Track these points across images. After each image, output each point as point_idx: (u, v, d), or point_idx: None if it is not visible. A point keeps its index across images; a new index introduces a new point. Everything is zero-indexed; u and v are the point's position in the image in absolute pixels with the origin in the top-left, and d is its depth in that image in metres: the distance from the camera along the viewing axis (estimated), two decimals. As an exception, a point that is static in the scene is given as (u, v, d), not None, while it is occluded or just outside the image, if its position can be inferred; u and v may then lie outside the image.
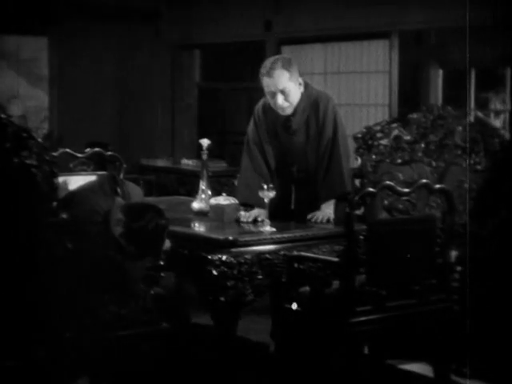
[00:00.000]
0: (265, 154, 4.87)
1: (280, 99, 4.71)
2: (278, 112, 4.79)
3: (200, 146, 5.14)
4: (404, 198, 4.19)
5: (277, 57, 4.90)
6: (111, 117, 9.73)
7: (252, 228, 4.61)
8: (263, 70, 4.73)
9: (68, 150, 5.45)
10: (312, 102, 4.81)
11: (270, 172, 4.87)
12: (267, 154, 4.87)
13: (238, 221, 4.72)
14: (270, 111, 4.86)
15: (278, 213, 4.70)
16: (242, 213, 4.75)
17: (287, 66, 4.70)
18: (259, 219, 4.69)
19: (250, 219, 4.72)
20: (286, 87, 4.69)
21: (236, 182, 4.92)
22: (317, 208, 4.79)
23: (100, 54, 9.60)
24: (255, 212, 4.74)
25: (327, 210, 4.75)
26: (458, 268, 4.64)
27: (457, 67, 7.54)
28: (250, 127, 4.93)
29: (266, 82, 4.71)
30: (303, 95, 4.79)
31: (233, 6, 8.78)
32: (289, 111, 4.78)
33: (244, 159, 4.91)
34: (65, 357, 3.87)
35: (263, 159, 4.86)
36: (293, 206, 4.93)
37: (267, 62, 4.76)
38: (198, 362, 4.71)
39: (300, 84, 4.78)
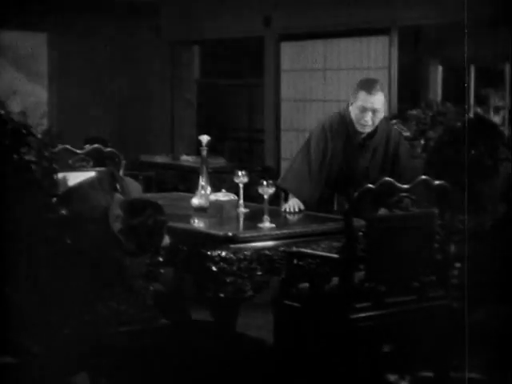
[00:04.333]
0: (324, 160, 5.04)
1: (369, 116, 4.95)
2: (357, 128, 5.00)
3: (199, 142, 5.14)
4: (403, 194, 4.18)
5: (374, 78, 5.30)
6: (110, 113, 9.73)
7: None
8: (365, 86, 4.99)
9: (67, 146, 5.45)
10: (386, 128, 5.10)
11: (321, 176, 5.04)
12: (324, 161, 5.04)
13: (284, 211, 4.96)
14: (347, 125, 5.05)
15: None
16: (290, 202, 4.97)
17: (385, 89, 5.19)
18: (302, 208, 4.94)
19: (294, 209, 4.93)
20: (379, 108, 4.95)
21: (286, 170, 5.21)
22: None
23: (99, 49, 9.59)
24: (298, 204, 4.95)
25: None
26: (457, 264, 4.64)
27: (456, 63, 7.54)
28: (318, 131, 5.10)
29: (364, 97, 4.95)
30: (382, 120, 5.04)
31: (232, 1, 8.77)
32: (368, 130, 5.00)
33: (301, 154, 5.10)
34: (64, 353, 3.87)
35: (319, 164, 5.03)
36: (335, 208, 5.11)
37: (368, 80, 5.18)
38: (197, 358, 4.71)
39: (385, 109, 5.06)
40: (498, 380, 4.56)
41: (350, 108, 5.02)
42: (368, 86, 4.97)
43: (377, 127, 5.01)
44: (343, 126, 5.07)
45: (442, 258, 4.28)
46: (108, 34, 9.60)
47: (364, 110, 4.94)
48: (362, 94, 4.95)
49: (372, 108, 4.93)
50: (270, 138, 8.58)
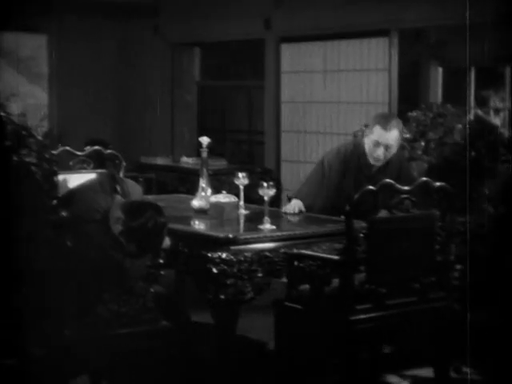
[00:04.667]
0: (334, 181, 5.11)
1: (381, 151, 5.01)
2: (369, 160, 5.06)
3: (200, 143, 5.14)
4: (404, 195, 4.18)
5: (392, 114, 5.39)
6: (111, 115, 9.73)
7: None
8: (381, 121, 5.04)
9: (68, 148, 5.45)
10: (398, 164, 5.11)
11: (328, 194, 5.12)
12: (334, 182, 5.11)
13: (285, 212, 5.05)
14: (360, 156, 5.10)
15: None
16: (290, 204, 5.07)
17: (400, 126, 5.08)
18: (302, 210, 5.02)
19: (295, 211, 5.01)
20: (392, 145, 5.00)
21: (300, 185, 5.32)
22: None
23: (99, 51, 9.60)
24: (299, 206, 5.02)
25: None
26: (458, 266, 4.64)
27: (456, 65, 7.54)
28: (332, 155, 5.19)
29: (379, 132, 4.99)
30: (395, 155, 5.07)
31: (232, 3, 8.77)
32: (379, 164, 5.06)
33: (315, 173, 5.19)
34: (65, 355, 3.87)
35: (330, 183, 5.11)
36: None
37: (385, 116, 5.26)
38: (197, 360, 4.71)
39: (399, 145, 5.09)
40: (498, 380, 4.56)
41: (365, 140, 5.07)
42: (384, 121, 5.02)
43: (388, 162, 5.06)
44: (356, 156, 5.12)
45: (443, 260, 4.28)
46: (108, 35, 9.61)
47: (377, 144, 4.99)
48: (378, 129, 4.99)
49: (385, 144, 4.98)
50: (270, 139, 8.58)
